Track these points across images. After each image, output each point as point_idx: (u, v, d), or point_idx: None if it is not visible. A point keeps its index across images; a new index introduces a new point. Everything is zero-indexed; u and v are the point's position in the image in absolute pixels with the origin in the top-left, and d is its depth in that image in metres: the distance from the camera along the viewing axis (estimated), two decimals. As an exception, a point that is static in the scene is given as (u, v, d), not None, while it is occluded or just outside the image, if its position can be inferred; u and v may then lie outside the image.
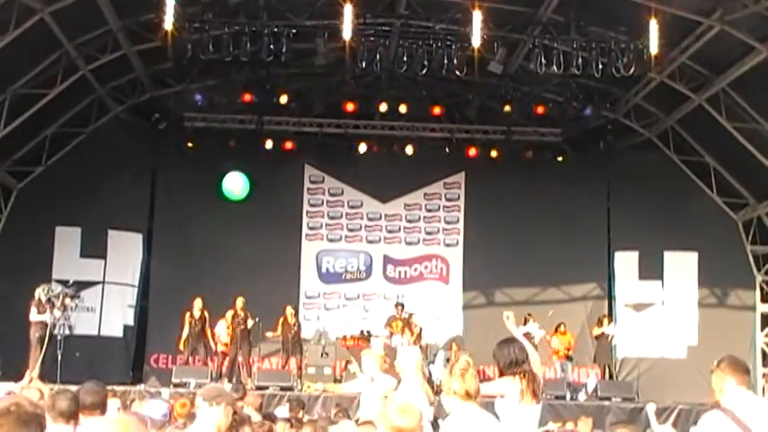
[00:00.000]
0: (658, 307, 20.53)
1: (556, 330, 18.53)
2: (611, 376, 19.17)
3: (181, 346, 17.85)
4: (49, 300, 16.48)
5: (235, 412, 5.89)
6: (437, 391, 9.78)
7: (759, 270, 20.31)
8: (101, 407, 5.35)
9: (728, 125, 17.67)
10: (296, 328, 18.35)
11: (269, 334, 18.15)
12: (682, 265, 20.48)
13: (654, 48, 15.24)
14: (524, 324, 18.25)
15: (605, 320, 19.41)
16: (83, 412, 5.08)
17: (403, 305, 18.83)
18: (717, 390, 5.12)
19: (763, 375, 19.49)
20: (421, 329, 18.18)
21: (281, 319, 18.20)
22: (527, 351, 6.29)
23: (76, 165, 19.10)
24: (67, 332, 17.11)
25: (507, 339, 6.41)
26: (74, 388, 5.53)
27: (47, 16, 14.62)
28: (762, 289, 20.35)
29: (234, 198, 16.14)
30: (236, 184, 15.95)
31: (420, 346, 16.68)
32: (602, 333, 19.07)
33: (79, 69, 16.97)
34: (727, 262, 20.30)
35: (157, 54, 17.19)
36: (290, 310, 18.44)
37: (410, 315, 18.49)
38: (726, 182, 20.10)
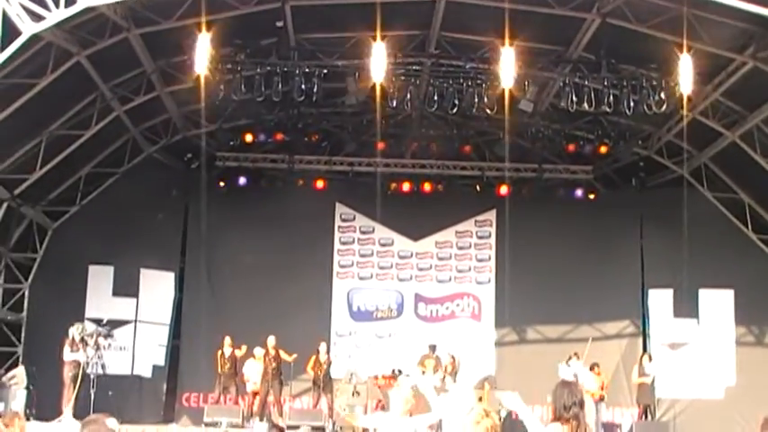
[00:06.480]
0: (694, 345, 20.22)
1: (591, 370, 18.22)
2: (652, 417, 18.75)
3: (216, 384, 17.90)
4: (82, 339, 16.62)
5: None
6: None
7: (797, 308, 19.98)
8: None
9: (763, 161, 17.49)
10: (326, 366, 18.30)
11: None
12: (717, 302, 20.20)
13: (685, 85, 15.15)
14: (567, 363, 17.89)
15: (645, 359, 18.90)
16: None
17: (434, 347, 18.65)
18: None
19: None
20: (452, 367, 17.91)
21: (314, 357, 18.18)
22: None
23: (110, 204, 19.28)
24: (100, 371, 17.19)
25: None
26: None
27: (83, 59, 14.84)
28: (800, 327, 20.01)
29: None
30: None
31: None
32: (643, 382, 18.64)
33: (114, 110, 17.19)
34: (764, 300, 19.94)
35: (190, 95, 17.40)
36: (323, 347, 18.40)
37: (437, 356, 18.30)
38: (761, 218, 19.86)
